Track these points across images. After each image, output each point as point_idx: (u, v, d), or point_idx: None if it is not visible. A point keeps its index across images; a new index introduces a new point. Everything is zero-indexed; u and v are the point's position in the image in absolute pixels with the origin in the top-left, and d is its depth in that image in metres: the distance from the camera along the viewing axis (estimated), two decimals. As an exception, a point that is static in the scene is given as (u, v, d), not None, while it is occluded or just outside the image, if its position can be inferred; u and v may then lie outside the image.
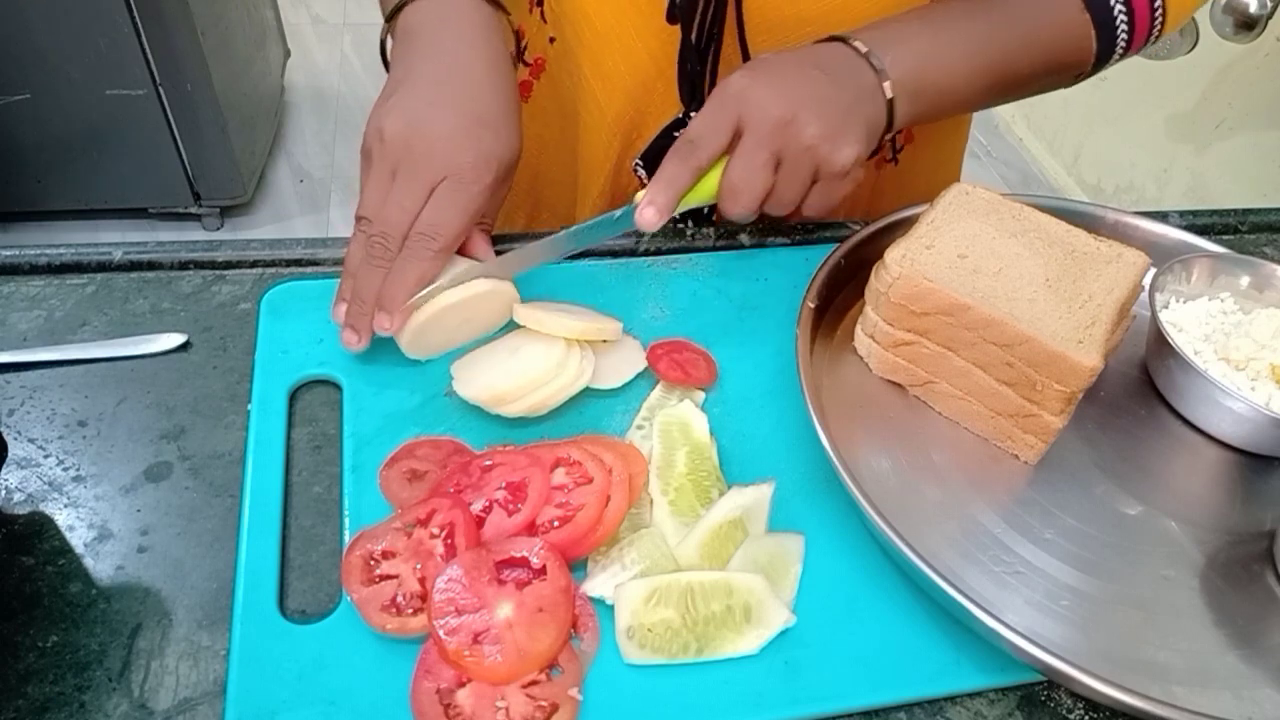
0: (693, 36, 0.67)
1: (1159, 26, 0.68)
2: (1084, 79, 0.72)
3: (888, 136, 0.63)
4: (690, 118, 0.68)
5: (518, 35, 0.76)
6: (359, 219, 0.57)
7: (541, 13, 0.73)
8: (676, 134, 0.69)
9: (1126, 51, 0.69)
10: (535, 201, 0.83)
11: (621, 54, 0.69)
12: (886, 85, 0.61)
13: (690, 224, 0.77)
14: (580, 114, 0.74)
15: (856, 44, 0.61)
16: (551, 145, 0.79)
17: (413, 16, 0.61)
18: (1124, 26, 0.67)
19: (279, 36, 2.47)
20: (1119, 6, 0.66)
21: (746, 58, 0.67)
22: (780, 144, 0.57)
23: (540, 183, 0.82)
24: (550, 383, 0.56)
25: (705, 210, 0.77)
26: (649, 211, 0.57)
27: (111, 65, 1.87)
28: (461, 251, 0.59)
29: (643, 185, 0.72)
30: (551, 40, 0.73)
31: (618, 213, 0.60)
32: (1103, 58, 0.69)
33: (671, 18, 0.66)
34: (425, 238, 0.55)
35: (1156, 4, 0.66)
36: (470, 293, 0.57)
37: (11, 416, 0.56)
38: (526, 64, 0.77)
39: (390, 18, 0.63)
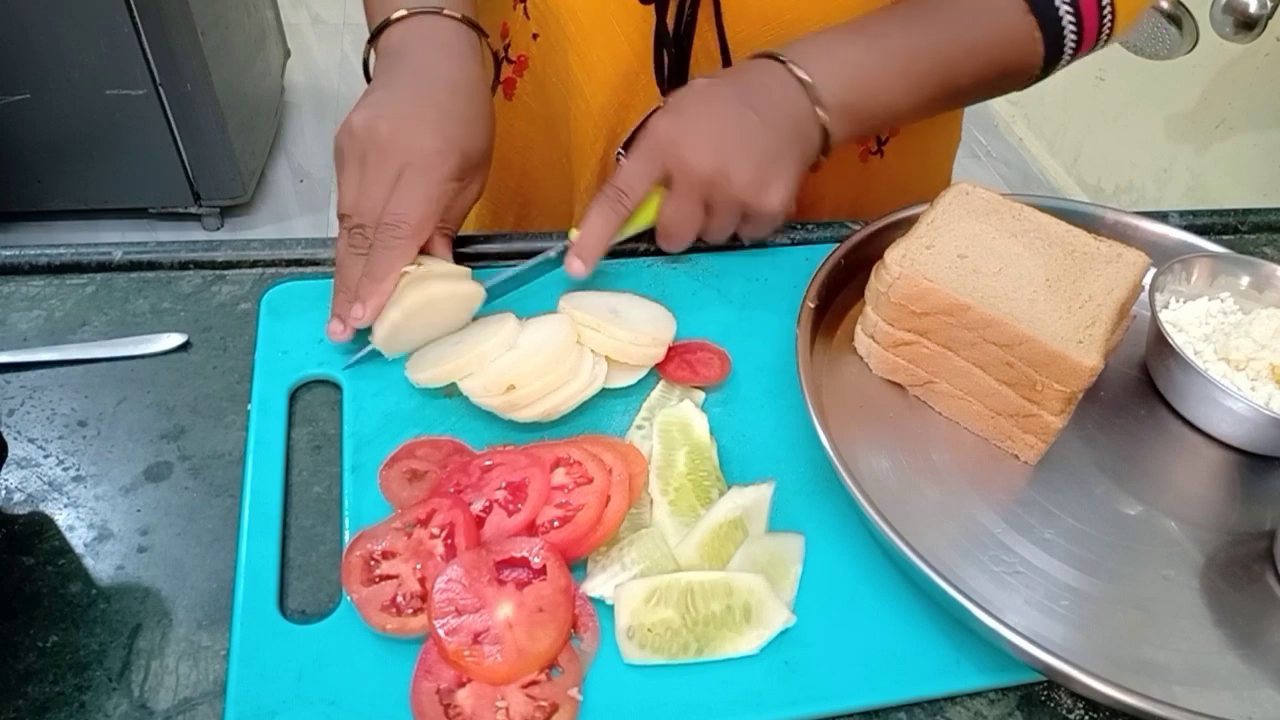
0: (669, 22, 0.67)
1: (1109, 27, 0.67)
2: (1035, 82, 0.71)
3: (824, 158, 0.64)
4: None
5: (501, 32, 0.76)
6: (339, 216, 0.59)
7: (524, 9, 0.73)
8: None
9: (1075, 54, 0.68)
10: (524, 200, 0.83)
11: (605, 45, 0.69)
12: (820, 112, 0.61)
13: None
14: (569, 107, 0.74)
15: (794, 68, 0.61)
16: (538, 142, 0.79)
17: (394, 36, 0.63)
18: (1071, 28, 0.66)
19: (279, 36, 2.47)
20: (1065, 7, 0.65)
21: (723, 45, 0.67)
22: (708, 193, 0.60)
23: (528, 181, 0.82)
24: (565, 387, 0.56)
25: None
26: (576, 264, 0.60)
27: (111, 65, 1.87)
28: (422, 251, 0.59)
29: None
30: (535, 36, 0.73)
31: (553, 253, 0.63)
32: (1051, 61, 0.67)
33: None
34: (390, 227, 0.56)
35: (1105, 4, 0.65)
36: (434, 294, 0.57)
37: (11, 416, 0.56)
38: (510, 61, 0.77)
39: (373, 38, 0.64)
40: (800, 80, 0.61)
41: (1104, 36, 0.68)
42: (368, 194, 0.57)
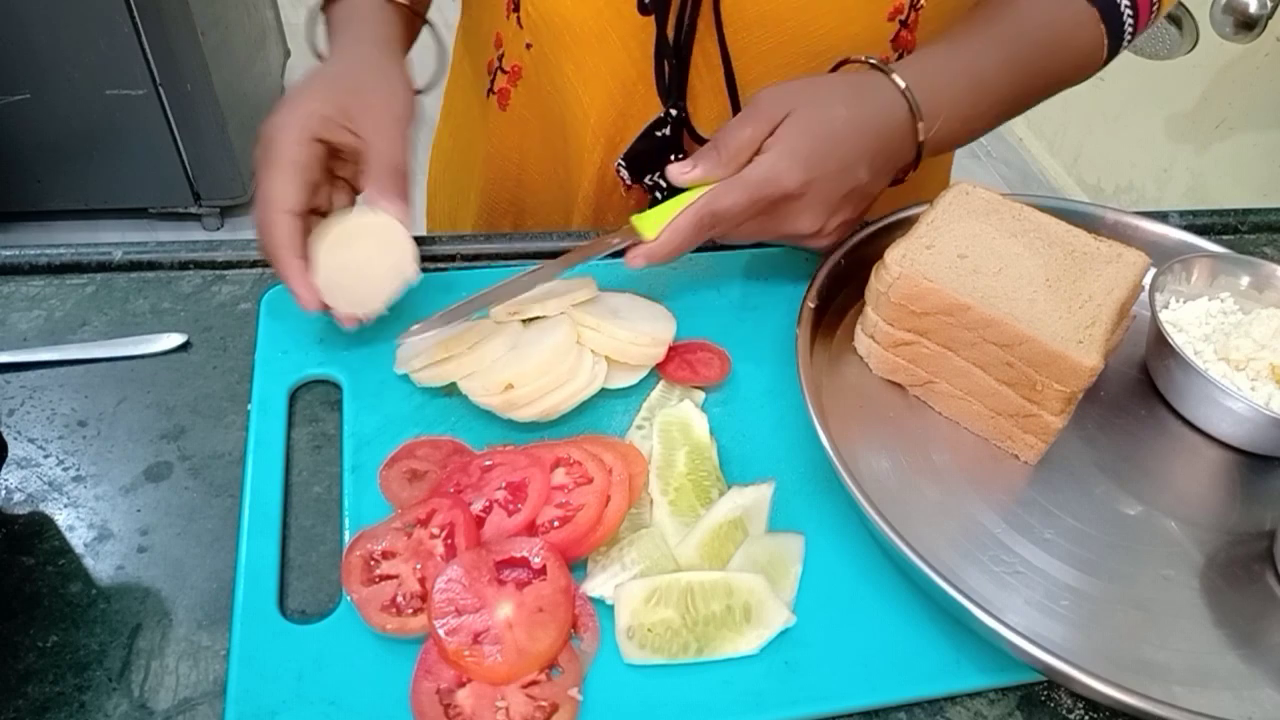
0: (669, 31, 0.67)
1: (1157, 5, 0.68)
2: (1097, 70, 0.72)
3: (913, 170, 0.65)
4: (670, 116, 0.68)
5: (495, 42, 0.76)
6: None
7: (518, 19, 0.72)
8: (659, 133, 0.69)
9: (1133, 37, 0.69)
10: (520, 209, 0.83)
11: (601, 55, 0.69)
12: (920, 149, 0.62)
13: None
14: (565, 117, 0.74)
15: (917, 107, 0.61)
16: (534, 153, 0.79)
17: (330, 18, 0.67)
18: (1129, 12, 0.67)
19: (279, 36, 2.47)
20: None
21: (724, 53, 0.67)
22: (769, 208, 0.59)
23: (524, 190, 0.82)
24: (564, 386, 0.56)
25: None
26: (639, 261, 0.58)
27: (111, 65, 1.87)
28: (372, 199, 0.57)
29: (626, 186, 0.72)
30: (528, 46, 0.72)
31: (615, 239, 0.60)
32: (1114, 49, 0.69)
33: (644, 9, 0.66)
34: (266, 221, 0.56)
35: None
36: (350, 226, 0.57)
37: (11, 416, 0.56)
38: (505, 71, 0.76)
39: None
40: (916, 128, 0.61)
41: (1154, 15, 0.69)
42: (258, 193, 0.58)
